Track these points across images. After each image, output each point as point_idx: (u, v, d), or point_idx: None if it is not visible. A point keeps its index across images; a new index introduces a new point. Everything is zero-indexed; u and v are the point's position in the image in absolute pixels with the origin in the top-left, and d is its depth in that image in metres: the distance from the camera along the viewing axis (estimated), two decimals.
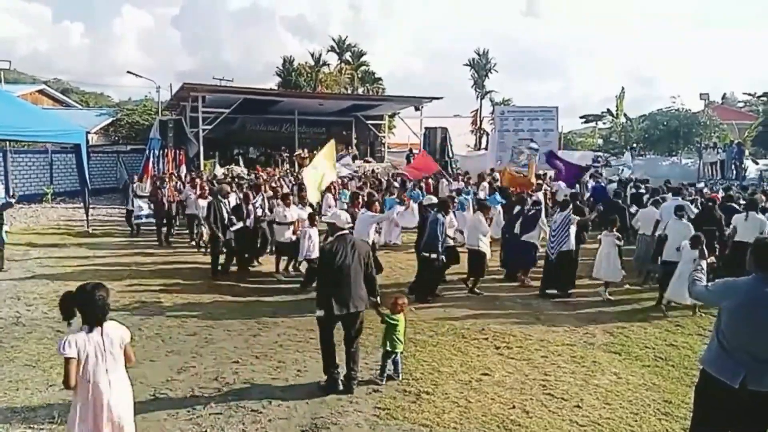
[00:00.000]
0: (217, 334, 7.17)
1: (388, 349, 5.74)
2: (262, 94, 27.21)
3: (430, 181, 20.18)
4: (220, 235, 10.10)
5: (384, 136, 33.70)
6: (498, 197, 14.06)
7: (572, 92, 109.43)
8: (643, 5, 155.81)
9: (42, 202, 20.70)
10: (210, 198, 12.49)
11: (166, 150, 22.03)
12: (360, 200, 10.34)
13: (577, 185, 15.43)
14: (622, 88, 33.60)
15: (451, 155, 27.96)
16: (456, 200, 12.67)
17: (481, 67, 51.13)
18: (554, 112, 28.38)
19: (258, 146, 29.48)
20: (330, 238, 6.01)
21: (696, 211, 10.68)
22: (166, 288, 9.47)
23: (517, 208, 10.99)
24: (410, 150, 29.46)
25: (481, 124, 48.34)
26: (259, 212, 11.15)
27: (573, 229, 9.32)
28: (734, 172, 22.01)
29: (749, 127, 31.88)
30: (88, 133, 17.78)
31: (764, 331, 3.37)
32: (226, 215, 10.28)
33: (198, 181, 14.74)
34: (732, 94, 53.67)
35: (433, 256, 8.78)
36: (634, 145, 31.37)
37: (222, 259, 10.53)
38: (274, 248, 11.09)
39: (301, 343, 6.84)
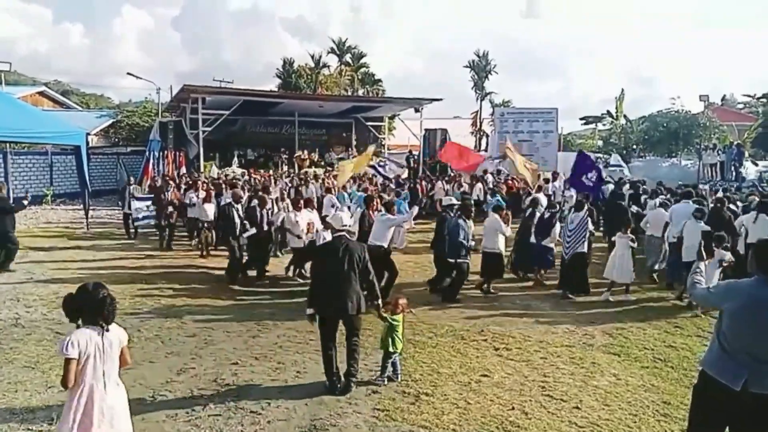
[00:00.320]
0: (217, 336, 7.17)
1: (390, 350, 5.75)
2: (262, 95, 27.23)
3: (423, 183, 20.21)
4: (233, 242, 9.89)
5: (384, 138, 33.70)
6: (499, 198, 14.08)
7: (572, 93, 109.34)
8: (643, 5, 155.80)
9: (42, 203, 20.71)
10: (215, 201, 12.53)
11: (166, 152, 22.07)
12: (375, 203, 10.34)
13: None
14: (622, 90, 33.67)
15: None
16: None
17: (481, 68, 51.21)
18: (554, 114, 28.43)
19: (258, 148, 29.48)
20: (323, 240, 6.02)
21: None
22: (166, 289, 9.47)
23: (529, 210, 11.02)
24: (410, 152, 29.44)
25: (481, 125, 48.39)
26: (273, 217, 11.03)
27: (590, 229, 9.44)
28: (734, 173, 22.01)
29: (749, 128, 31.90)
30: (88, 134, 17.87)
31: (766, 332, 3.37)
32: (238, 221, 10.06)
33: (200, 183, 14.66)
34: (732, 95, 53.76)
35: (460, 261, 8.78)
36: (634, 146, 31.40)
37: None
38: (281, 252, 11.08)
39: (300, 344, 6.84)
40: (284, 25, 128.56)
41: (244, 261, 10.31)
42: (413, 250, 13.08)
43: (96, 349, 3.46)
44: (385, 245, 8.96)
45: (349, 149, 30.36)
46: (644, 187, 15.62)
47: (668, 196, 12.67)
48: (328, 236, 9.49)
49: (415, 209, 10.34)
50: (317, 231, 9.93)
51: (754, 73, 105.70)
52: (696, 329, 7.75)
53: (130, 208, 14.46)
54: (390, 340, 5.75)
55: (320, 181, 18.46)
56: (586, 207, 9.70)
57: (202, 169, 21.70)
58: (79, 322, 3.50)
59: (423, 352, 6.65)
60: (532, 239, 10.29)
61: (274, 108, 28.19)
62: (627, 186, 16.35)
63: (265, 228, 10.57)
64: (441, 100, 27.23)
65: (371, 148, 17.20)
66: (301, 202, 10.68)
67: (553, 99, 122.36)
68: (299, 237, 10.08)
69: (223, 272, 10.40)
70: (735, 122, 33.64)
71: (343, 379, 5.57)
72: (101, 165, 25.36)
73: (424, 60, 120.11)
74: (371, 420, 4.98)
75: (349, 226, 5.98)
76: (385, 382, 5.68)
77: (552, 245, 10.13)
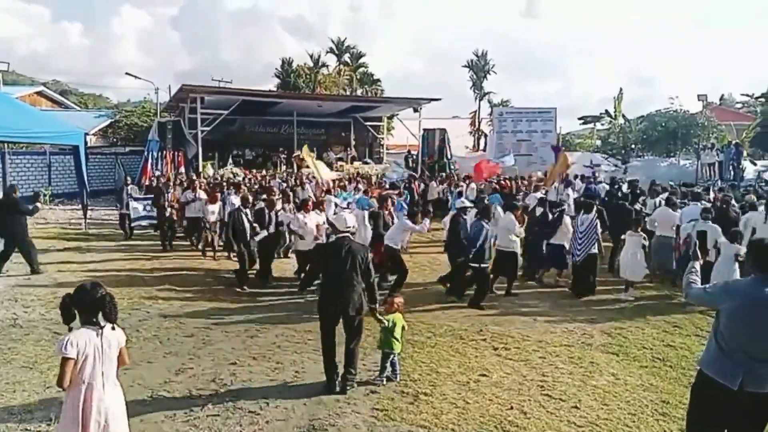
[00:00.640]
0: (215, 336, 7.16)
1: (386, 350, 5.75)
2: (260, 95, 27.20)
3: (416, 183, 20.16)
4: (240, 246, 9.70)
5: (383, 138, 33.69)
6: (499, 197, 14.09)
7: (571, 93, 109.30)
8: (643, 5, 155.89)
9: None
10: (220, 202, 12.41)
11: (164, 152, 22.04)
12: (390, 203, 10.33)
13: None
14: (620, 89, 33.53)
15: (449, 156, 28.01)
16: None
17: (479, 68, 51.25)
18: (552, 114, 28.49)
19: (257, 147, 29.45)
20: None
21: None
22: (164, 289, 9.47)
23: (540, 210, 11.03)
24: (408, 152, 29.45)
25: (479, 125, 48.40)
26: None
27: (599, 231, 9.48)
28: (732, 173, 22.04)
29: (747, 128, 31.92)
30: (86, 134, 17.85)
31: (764, 332, 3.37)
32: (248, 225, 9.84)
33: (198, 182, 14.50)
34: (730, 95, 53.72)
35: (483, 266, 8.72)
36: (633, 146, 31.39)
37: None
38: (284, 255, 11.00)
39: (299, 344, 6.84)
40: (283, 25, 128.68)
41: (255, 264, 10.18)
42: (412, 251, 13.07)
43: (94, 349, 3.45)
44: (398, 247, 9.08)
45: (348, 149, 30.35)
46: (639, 187, 15.66)
47: (667, 195, 12.68)
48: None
49: (427, 222, 10.21)
50: (326, 233, 9.80)
51: (754, 73, 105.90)
52: (695, 329, 7.75)
53: (127, 208, 14.33)
54: (387, 339, 5.75)
55: (314, 181, 18.37)
56: (595, 209, 9.67)
57: (200, 169, 21.67)
58: (75, 323, 3.48)
59: (422, 351, 6.65)
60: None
61: (273, 108, 28.18)
62: (625, 186, 16.40)
63: (272, 230, 10.41)
64: (439, 99, 27.24)
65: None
66: (310, 204, 10.54)
67: (552, 99, 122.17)
68: (302, 238, 9.87)
69: (220, 272, 10.40)
70: (733, 122, 33.64)
71: (341, 379, 5.57)
72: (99, 165, 25.33)
73: (424, 60, 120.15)
74: (370, 420, 4.97)
75: (353, 227, 5.98)
76: (384, 382, 5.68)
77: (564, 243, 10.10)
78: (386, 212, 9.83)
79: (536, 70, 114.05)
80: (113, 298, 3.56)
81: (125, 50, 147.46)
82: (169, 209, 13.46)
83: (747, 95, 44.62)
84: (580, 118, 37.63)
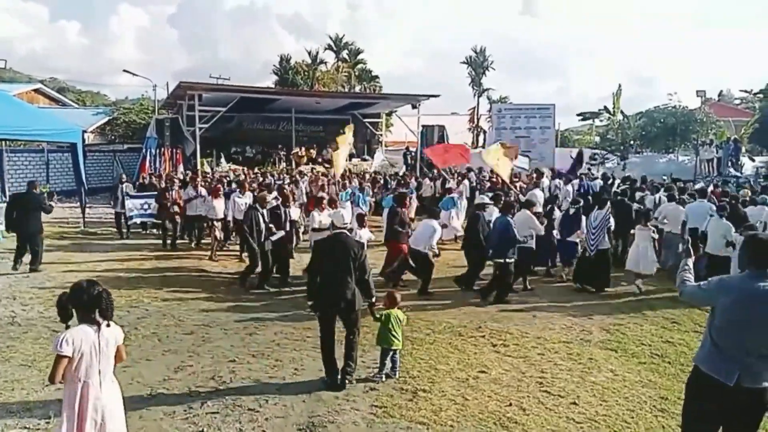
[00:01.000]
0: (214, 333, 7.16)
1: (384, 346, 5.77)
2: (259, 92, 27.11)
3: (411, 180, 20.10)
4: (255, 246, 9.49)
5: (381, 134, 33.64)
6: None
7: (570, 91, 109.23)
8: (643, 5, 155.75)
9: None
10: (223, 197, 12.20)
11: (162, 149, 22.00)
12: (408, 200, 10.33)
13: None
14: (619, 86, 33.52)
15: None
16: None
17: (478, 64, 51.13)
18: (551, 110, 28.42)
19: (255, 145, 29.39)
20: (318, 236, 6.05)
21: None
22: (163, 287, 9.47)
23: (549, 206, 11.06)
24: (407, 148, 29.40)
25: (478, 121, 48.36)
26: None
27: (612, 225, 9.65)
28: (731, 169, 22.06)
29: (746, 124, 31.90)
30: (84, 132, 17.78)
31: (759, 327, 3.38)
32: (263, 225, 9.59)
33: (198, 179, 14.32)
34: (728, 91, 53.67)
35: (508, 261, 8.73)
36: (631, 142, 31.37)
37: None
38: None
39: (298, 341, 6.84)
40: (281, 23, 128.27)
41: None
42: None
43: (91, 347, 3.44)
44: (427, 251, 9.16)
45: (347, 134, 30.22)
46: (633, 183, 15.73)
47: (667, 191, 12.74)
48: (365, 234, 9.43)
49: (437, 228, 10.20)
50: (355, 231, 9.56)
51: (754, 73, 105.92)
52: (693, 325, 7.76)
53: (123, 206, 14.02)
54: (384, 335, 5.77)
55: (307, 178, 18.27)
56: (608, 204, 9.82)
57: (198, 167, 21.63)
58: (72, 321, 3.48)
59: (421, 348, 6.65)
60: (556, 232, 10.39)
61: (271, 105, 28.12)
62: (618, 182, 16.50)
63: (287, 227, 10.25)
64: (438, 96, 27.22)
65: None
66: (324, 202, 10.44)
67: (552, 98, 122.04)
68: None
69: (220, 272, 10.39)
70: (732, 118, 33.63)
71: (340, 373, 5.60)
72: (98, 162, 25.24)
73: (423, 59, 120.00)
74: (369, 417, 4.98)
75: (349, 223, 6.02)
76: (383, 379, 5.69)
77: (577, 240, 10.17)
78: (403, 209, 9.81)
79: (535, 69, 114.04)
80: (110, 295, 3.55)
81: (123, 48, 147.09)
82: (173, 207, 13.14)
83: (745, 91, 44.60)
84: (578, 115, 37.64)
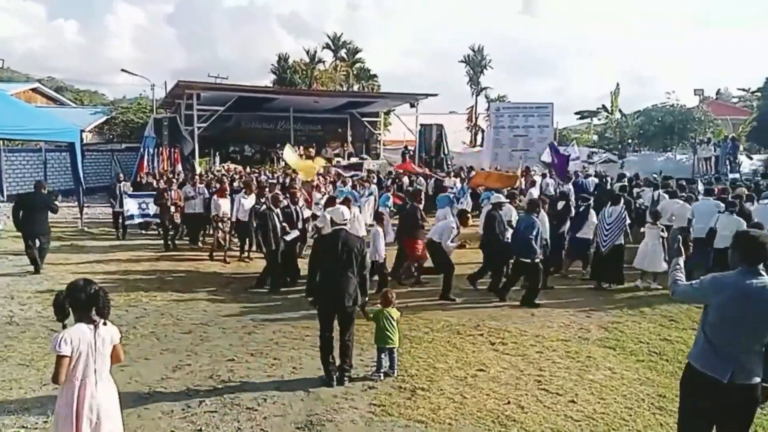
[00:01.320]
0: (213, 332, 7.16)
1: (380, 345, 5.79)
2: (257, 91, 27.11)
3: (404, 179, 20.10)
4: (273, 246, 9.37)
5: (379, 134, 33.64)
6: (491, 194, 14.13)
7: (568, 91, 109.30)
8: (643, 5, 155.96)
9: None
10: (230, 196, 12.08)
11: (160, 148, 21.97)
12: (421, 197, 10.35)
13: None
14: (617, 84, 33.54)
15: (446, 152, 27.99)
16: None
17: (476, 63, 51.13)
18: (549, 109, 28.44)
19: (253, 144, 29.39)
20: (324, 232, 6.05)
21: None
22: (162, 286, 9.47)
23: (561, 204, 11.10)
24: (405, 147, 29.40)
25: (476, 120, 48.35)
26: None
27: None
28: (728, 167, 22.10)
29: (743, 122, 31.95)
30: (82, 131, 17.75)
31: (752, 323, 3.41)
32: (278, 225, 9.50)
33: (197, 178, 14.24)
34: (726, 89, 53.74)
35: (536, 260, 8.68)
36: (629, 141, 31.40)
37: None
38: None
39: (296, 340, 6.84)
40: (280, 22, 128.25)
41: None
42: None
43: (88, 346, 3.43)
44: (444, 244, 9.13)
45: (345, 144, 30.28)
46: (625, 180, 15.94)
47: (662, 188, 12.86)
48: (382, 233, 9.41)
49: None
50: (374, 228, 9.57)
51: (753, 72, 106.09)
52: (691, 322, 7.76)
53: (121, 206, 13.82)
54: (380, 334, 5.79)
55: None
56: (623, 201, 9.92)
57: (197, 166, 21.61)
58: (68, 320, 3.47)
59: (419, 347, 6.65)
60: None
61: (269, 104, 28.11)
62: (611, 179, 16.67)
63: (300, 226, 10.18)
64: (436, 95, 27.28)
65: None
66: (337, 201, 10.31)
67: (550, 97, 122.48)
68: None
69: (219, 271, 10.38)
70: (729, 116, 33.67)
71: (338, 371, 5.63)
72: (96, 162, 25.22)
73: (422, 58, 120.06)
74: (367, 415, 4.98)
75: (348, 220, 6.04)
76: (382, 378, 5.69)
77: (590, 236, 10.21)
78: (418, 206, 9.83)
79: (533, 69, 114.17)
80: (107, 294, 3.55)
81: (121, 47, 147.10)
82: (173, 207, 12.99)
83: (743, 90, 44.63)
84: (576, 113, 37.61)
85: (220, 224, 11.76)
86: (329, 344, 5.66)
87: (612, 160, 26.84)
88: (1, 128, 12.14)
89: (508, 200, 10.61)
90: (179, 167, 21.52)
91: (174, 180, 14.69)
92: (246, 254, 11.76)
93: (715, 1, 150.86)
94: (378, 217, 9.96)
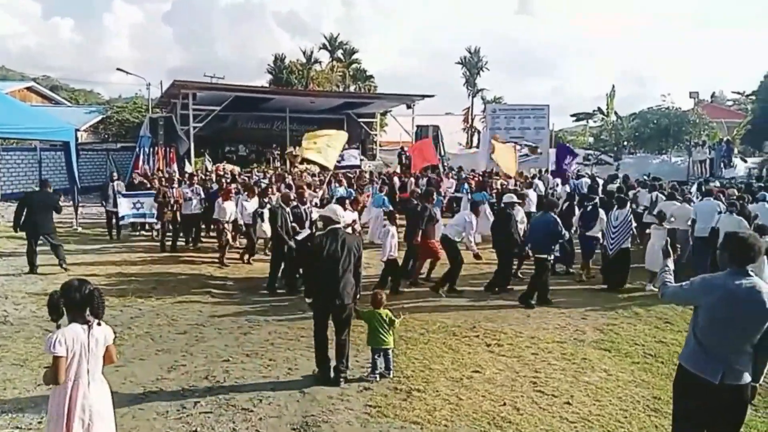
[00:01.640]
0: (208, 333, 7.14)
1: (374, 346, 5.79)
2: (253, 91, 27.10)
3: (395, 179, 20.08)
4: (284, 246, 9.30)
5: (376, 134, 33.65)
6: (486, 194, 14.19)
7: (565, 91, 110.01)
8: (643, 5, 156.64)
9: None
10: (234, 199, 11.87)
11: (156, 148, 21.90)
12: (433, 197, 10.38)
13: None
14: (613, 86, 33.74)
15: (442, 153, 28.03)
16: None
17: (472, 65, 51.27)
18: (545, 110, 28.46)
19: (249, 144, 29.36)
20: (320, 232, 6.04)
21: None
22: (157, 286, 9.43)
23: (567, 204, 11.19)
24: (402, 148, 29.41)
25: (472, 122, 48.43)
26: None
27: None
28: (723, 170, 22.22)
29: (738, 125, 32.13)
30: (77, 130, 17.62)
31: (741, 324, 3.43)
32: (289, 224, 9.36)
33: (195, 179, 14.08)
34: (721, 92, 54.05)
35: (550, 257, 8.76)
36: (625, 143, 31.53)
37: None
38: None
39: (291, 341, 6.83)
40: (277, 20, 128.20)
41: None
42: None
43: (81, 346, 3.41)
44: (458, 240, 9.26)
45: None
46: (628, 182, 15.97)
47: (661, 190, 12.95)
48: (394, 231, 9.44)
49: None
50: (386, 227, 9.63)
51: (753, 73, 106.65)
52: (686, 325, 7.68)
53: (114, 205, 13.52)
54: (372, 335, 5.79)
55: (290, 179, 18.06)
56: (629, 204, 10.01)
57: (192, 166, 21.56)
58: (63, 320, 3.45)
59: (415, 348, 6.65)
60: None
61: (266, 104, 28.10)
62: (602, 181, 16.87)
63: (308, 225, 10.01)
64: (433, 96, 27.31)
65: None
66: (347, 201, 10.23)
67: (546, 98, 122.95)
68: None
69: (212, 272, 10.34)
70: (724, 119, 33.85)
71: (333, 371, 5.65)
72: (91, 161, 25.09)
73: (419, 59, 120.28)
74: (363, 416, 4.98)
75: (344, 218, 6.05)
76: (377, 379, 5.69)
77: (599, 235, 10.25)
78: (430, 204, 9.87)
79: (531, 69, 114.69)
80: (101, 293, 3.53)
81: (117, 46, 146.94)
82: (174, 205, 12.73)
83: (738, 93, 44.92)
84: (572, 115, 37.78)
85: (225, 227, 11.37)
86: (324, 342, 5.69)
87: (606, 161, 26.96)
88: None
89: (519, 201, 10.70)
90: (174, 167, 21.46)
91: (176, 179, 14.58)
92: (247, 258, 11.60)
93: (715, 1, 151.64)
94: (390, 216, 9.94)
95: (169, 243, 12.72)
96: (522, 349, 6.72)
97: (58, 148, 18.93)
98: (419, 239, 9.56)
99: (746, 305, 3.40)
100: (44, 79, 56.26)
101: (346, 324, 5.71)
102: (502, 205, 10.17)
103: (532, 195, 13.78)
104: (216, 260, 11.48)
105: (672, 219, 10.84)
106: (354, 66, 47.34)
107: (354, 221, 10.00)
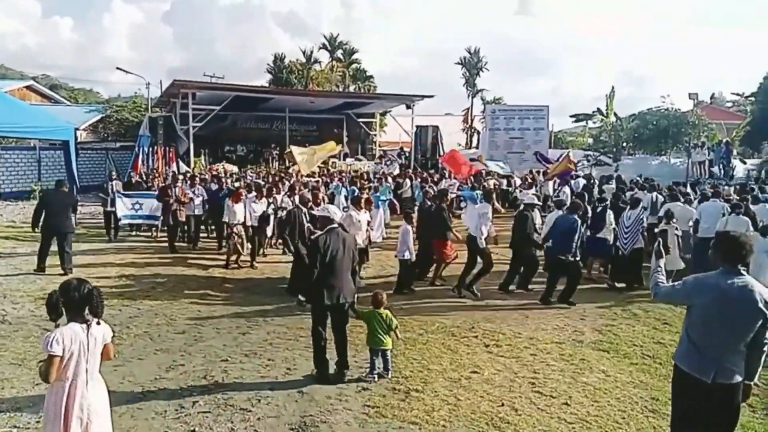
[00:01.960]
0: (207, 332, 7.14)
1: (372, 347, 5.80)
2: (253, 91, 27.08)
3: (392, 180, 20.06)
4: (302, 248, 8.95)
5: (375, 134, 33.65)
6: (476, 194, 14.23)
7: (564, 92, 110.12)
8: (642, 5, 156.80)
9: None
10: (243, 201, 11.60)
11: (155, 147, 21.90)
12: (447, 198, 10.38)
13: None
14: (612, 87, 33.69)
15: (442, 153, 28.02)
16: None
17: (472, 65, 51.25)
18: (545, 111, 28.54)
19: (249, 144, 29.36)
20: (320, 232, 6.04)
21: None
22: (155, 286, 9.43)
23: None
24: (401, 148, 29.45)
25: (472, 122, 48.42)
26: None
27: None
28: (722, 171, 22.24)
29: (737, 126, 32.13)
30: (76, 129, 17.65)
31: (734, 323, 3.45)
32: (305, 225, 9.08)
33: (197, 179, 14.01)
34: (720, 93, 54.01)
35: (571, 258, 8.79)
36: (624, 144, 31.51)
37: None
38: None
39: (290, 341, 6.83)
40: (276, 20, 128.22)
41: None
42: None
43: (80, 345, 3.41)
44: (476, 235, 9.21)
45: (341, 145, 30.24)
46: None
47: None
48: (410, 231, 9.43)
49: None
50: (404, 227, 9.54)
51: (752, 73, 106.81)
52: None
53: (112, 205, 13.31)
54: (371, 336, 5.79)
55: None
56: (641, 205, 10.06)
57: (192, 165, 21.56)
58: (61, 320, 3.45)
59: (413, 348, 6.65)
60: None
61: (265, 104, 28.09)
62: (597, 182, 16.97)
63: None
64: (432, 96, 27.29)
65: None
66: (362, 202, 10.08)
67: (546, 98, 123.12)
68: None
69: (210, 271, 10.33)
70: (724, 120, 33.83)
71: (336, 368, 5.69)
72: (90, 160, 25.06)
73: (419, 59, 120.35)
74: (361, 417, 4.98)
75: (341, 219, 6.11)
76: (375, 379, 5.69)
77: (609, 236, 10.30)
78: (443, 205, 9.86)
79: (532, 69, 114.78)
80: (100, 293, 3.53)
81: (116, 45, 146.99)
82: (178, 205, 12.61)
83: (737, 94, 44.92)
84: (572, 116, 37.67)
85: (234, 230, 11.04)
86: (324, 342, 5.72)
87: (606, 162, 26.95)
88: None
89: (540, 203, 10.78)
90: (174, 166, 21.47)
91: (179, 177, 14.52)
92: (251, 263, 11.35)
93: (714, 1, 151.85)
94: (407, 216, 9.90)
95: (187, 241, 12.81)
96: (520, 350, 6.72)
97: (58, 147, 18.95)
98: (434, 241, 9.57)
99: (739, 304, 3.41)
100: (44, 78, 56.25)
101: (343, 323, 5.77)
102: (521, 206, 10.23)
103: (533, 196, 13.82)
104: (215, 260, 11.49)
105: (674, 220, 10.89)
106: (354, 66, 47.30)
107: (368, 222, 9.91)
